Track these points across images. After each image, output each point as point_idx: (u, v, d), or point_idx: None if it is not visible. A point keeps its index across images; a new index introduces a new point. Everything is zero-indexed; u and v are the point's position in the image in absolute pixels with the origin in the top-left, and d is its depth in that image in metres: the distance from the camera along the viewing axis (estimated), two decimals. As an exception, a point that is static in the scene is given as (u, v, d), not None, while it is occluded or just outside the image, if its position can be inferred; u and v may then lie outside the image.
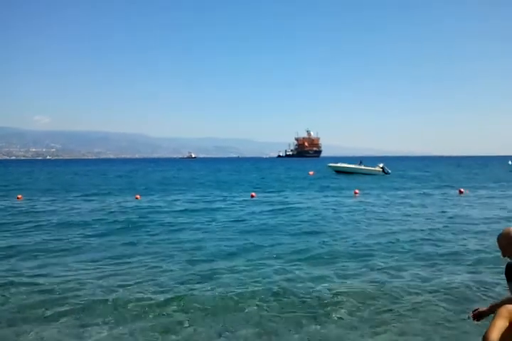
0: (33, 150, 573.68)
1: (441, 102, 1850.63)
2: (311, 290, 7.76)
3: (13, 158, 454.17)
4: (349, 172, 51.14)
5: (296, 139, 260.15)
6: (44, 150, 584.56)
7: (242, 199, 24.81)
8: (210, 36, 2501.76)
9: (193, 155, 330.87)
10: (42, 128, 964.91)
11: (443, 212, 18.22)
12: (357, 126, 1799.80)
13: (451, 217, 16.70)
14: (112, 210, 19.90)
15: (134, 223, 16.01)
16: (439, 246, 11.51)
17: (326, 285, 8.07)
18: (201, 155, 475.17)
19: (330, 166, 55.14)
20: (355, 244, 11.86)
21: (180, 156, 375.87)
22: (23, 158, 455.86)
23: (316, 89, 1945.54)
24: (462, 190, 27.17)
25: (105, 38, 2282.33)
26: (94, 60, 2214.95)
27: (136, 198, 25.01)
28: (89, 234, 13.91)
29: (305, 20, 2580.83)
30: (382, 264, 9.56)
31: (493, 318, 2.64)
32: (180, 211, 19.67)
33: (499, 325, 2.59)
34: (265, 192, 28.81)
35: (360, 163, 52.97)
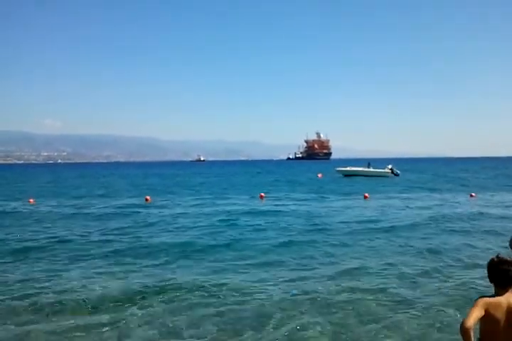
0: (45, 154, 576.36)
1: (457, 103, 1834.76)
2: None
3: (22, 162, 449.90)
4: (358, 175, 50.83)
5: (306, 141, 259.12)
6: (55, 154, 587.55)
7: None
8: (221, 37, 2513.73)
9: (202, 158, 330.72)
10: (52, 132, 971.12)
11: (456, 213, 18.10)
12: (368, 127, 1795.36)
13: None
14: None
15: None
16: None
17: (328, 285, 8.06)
18: (210, 158, 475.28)
19: (338, 170, 54.60)
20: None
21: (190, 159, 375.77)
22: (34, 162, 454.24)
23: (326, 90, 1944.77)
24: (473, 194, 26.34)
25: (113, 40, 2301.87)
26: (105, 64, 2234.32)
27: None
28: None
29: (315, 20, 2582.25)
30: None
31: (471, 307, 3.02)
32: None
33: (475, 314, 2.96)
34: (274, 196, 28.76)
35: (369, 165, 52.47)
